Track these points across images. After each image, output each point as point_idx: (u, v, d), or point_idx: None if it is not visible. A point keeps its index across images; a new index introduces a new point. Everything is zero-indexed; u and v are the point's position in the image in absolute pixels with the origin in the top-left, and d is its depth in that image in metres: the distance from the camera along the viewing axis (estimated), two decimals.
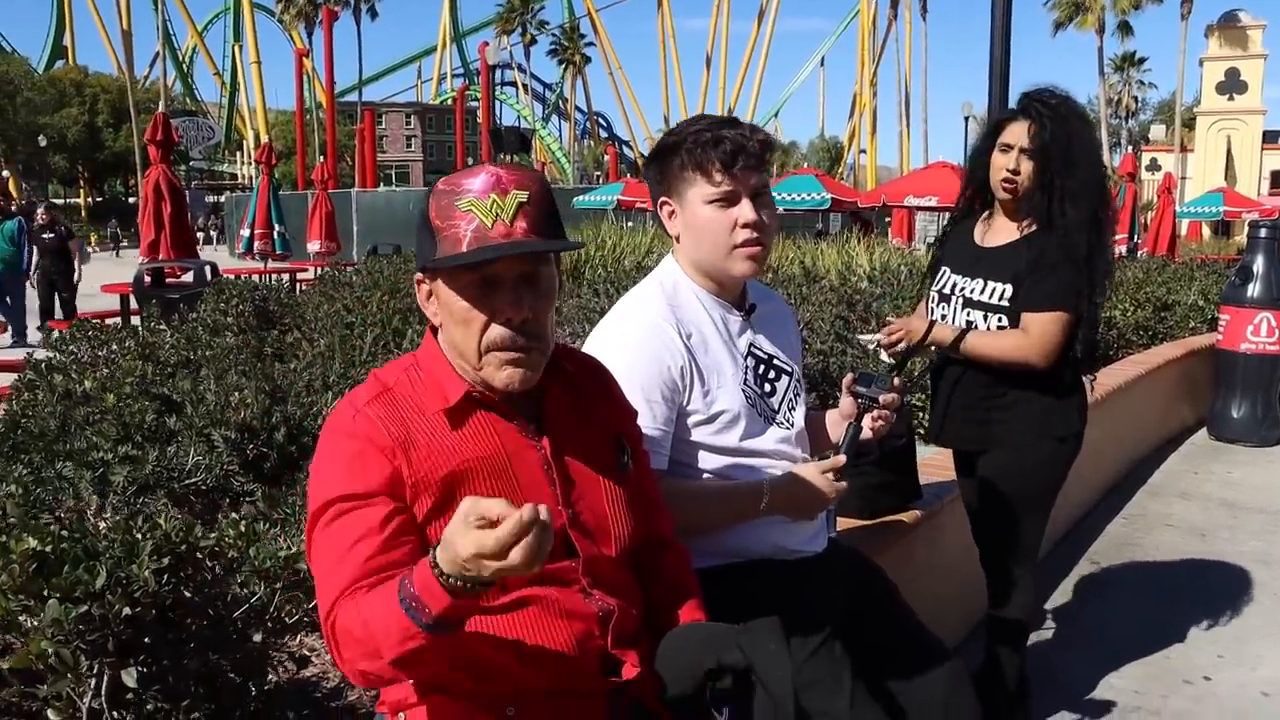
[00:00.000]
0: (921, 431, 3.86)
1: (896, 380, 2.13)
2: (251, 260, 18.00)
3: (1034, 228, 2.91)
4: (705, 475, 2.08)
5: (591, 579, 1.62)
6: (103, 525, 1.75)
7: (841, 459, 2.06)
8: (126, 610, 1.59)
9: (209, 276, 9.92)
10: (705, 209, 2.04)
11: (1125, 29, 65.13)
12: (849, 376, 2.14)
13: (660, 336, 2.03)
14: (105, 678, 1.62)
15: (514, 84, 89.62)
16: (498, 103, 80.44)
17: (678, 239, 2.13)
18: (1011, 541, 3.05)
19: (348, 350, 4.77)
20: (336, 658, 1.44)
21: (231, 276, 11.16)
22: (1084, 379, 3.11)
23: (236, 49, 67.68)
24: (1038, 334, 2.85)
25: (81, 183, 60.67)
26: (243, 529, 1.93)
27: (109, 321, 9.71)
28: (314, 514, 1.50)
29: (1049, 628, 4.11)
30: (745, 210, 2.03)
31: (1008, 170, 2.90)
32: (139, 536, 1.77)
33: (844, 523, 3.07)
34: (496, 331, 1.54)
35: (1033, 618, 3.21)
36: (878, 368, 4.87)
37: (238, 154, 69.23)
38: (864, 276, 8.64)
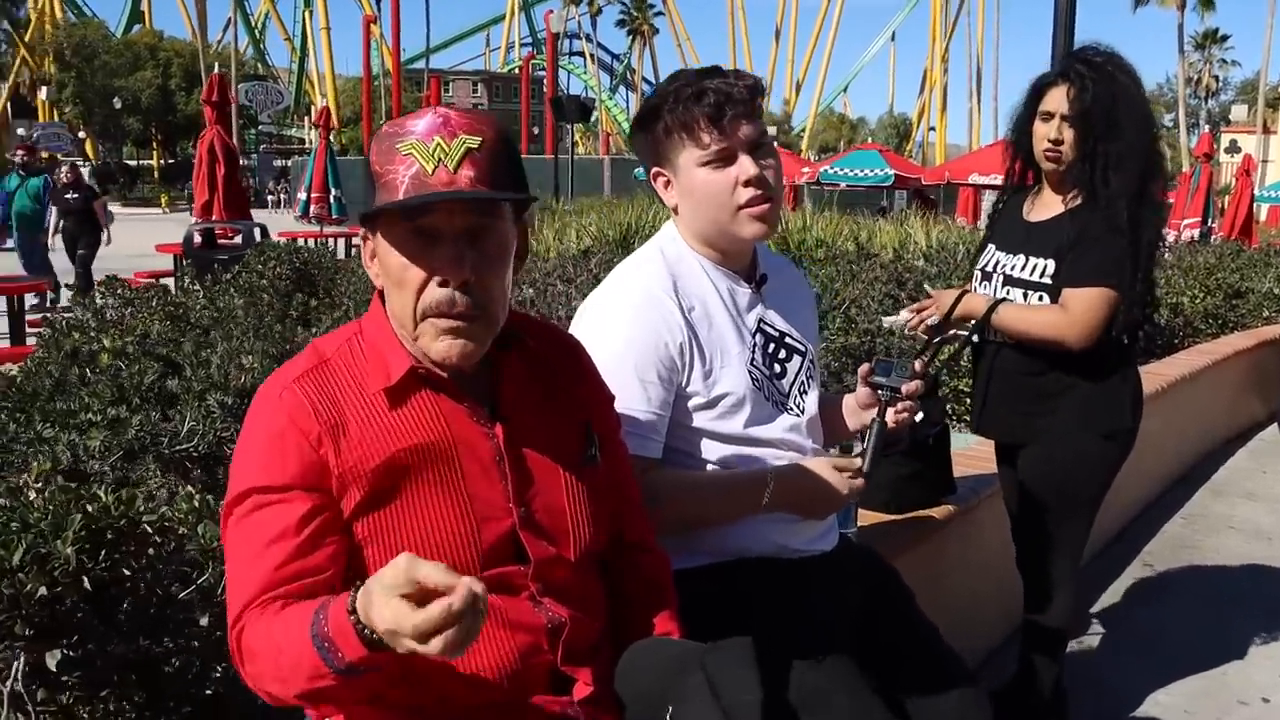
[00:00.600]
0: (968, 419, 3.64)
1: (918, 365, 1.93)
2: (308, 223, 18.02)
3: (1080, 200, 2.68)
4: (706, 465, 1.89)
5: (542, 586, 1.44)
6: (33, 495, 1.61)
7: (857, 461, 1.86)
8: (42, 590, 1.45)
9: (258, 238, 9.90)
10: (700, 173, 1.84)
11: (1207, 4, 63.12)
12: (865, 366, 1.94)
13: (658, 309, 1.84)
14: (21, 660, 1.49)
15: (581, 54, 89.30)
16: (565, 73, 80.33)
17: (676, 210, 1.94)
18: (1051, 543, 2.83)
19: None
20: (240, 671, 1.29)
21: (284, 240, 11.16)
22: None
23: (307, 15, 68.07)
24: (1078, 310, 2.62)
25: (155, 144, 61.59)
26: (196, 504, 1.78)
27: (163, 281, 9.79)
28: (229, 502, 1.35)
29: (1095, 633, 3.87)
30: (745, 166, 1.82)
31: (1049, 140, 2.68)
32: (85, 509, 1.63)
33: (868, 516, 2.87)
34: (433, 294, 1.35)
35: (1072, 625, 2.99)
36: (911, 345, 4.62)
37: (306, 119, 69.88)
38: (919, 254, 8.35)
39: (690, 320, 1.86)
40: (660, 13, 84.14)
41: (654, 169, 1.92)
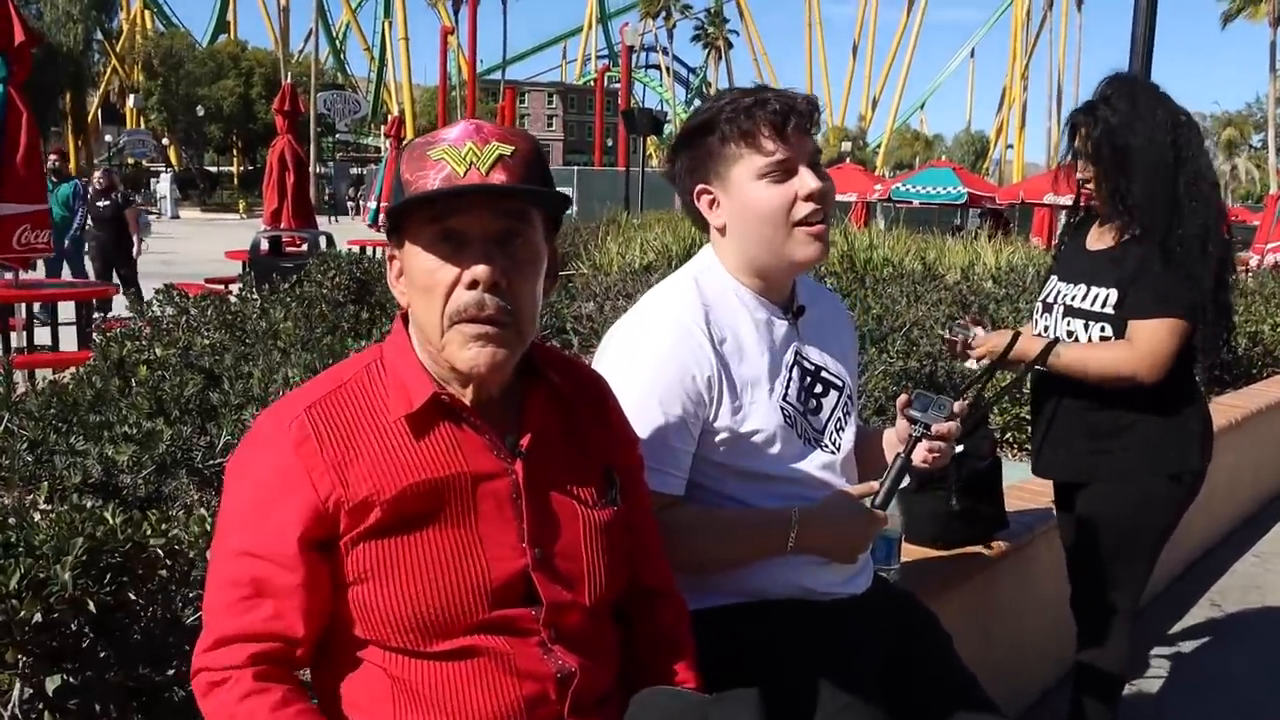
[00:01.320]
0: (1028, 447, 3.50)
1: (958, 405, 1.82)
2: (378, 232, 18.20)
3: (1137, 231, 2.57)
4: (732, 503, 1.81)
5: (554, 632, 1.37)
6: (38, 516, 1.59)
7: (873, 485, 1.78)
8: (38, 616, 1.42)
9: (323, 247, 10.01)
10: (756, 186, 1.75)
11: None
12: (903, 397, 1.84)
13: (686, 341, 1.76)
14: (19, 686, 1.46)
15: (658, 67, 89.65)
16: (641, 85, 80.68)
17: (722, 230, 1.84)
18: (1109, 585, 2.70)
19: None
20: (197, 696, 1.30)
21: (352, 248, 11.27)
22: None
23: (386, 25, 69.29)
24: (1145, 343, 2.50)
25: (235, 151, 63.07)
26: (207, 526, 1.75)
27: (232, 288, 9.91)
28: (226, 526, 1.32)
29: (1157, 675, 3.70)
30: (806, 180, 1.74)
31: (1080, 179, 2.65)
32: (90, 532, 1.60)
33: (914, 552, 2.76)
34: (461, 297, 1.30)
35: (1127, 669, 2.85)
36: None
37: (383, 127, 71.10)
38: (987, 276, 8.16)
39: (721, 353, 1.77)
40: (735, 30, 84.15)
41: (699, 187, 1.83)
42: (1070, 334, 2.66)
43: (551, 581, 1.38)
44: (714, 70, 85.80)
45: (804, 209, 1.75)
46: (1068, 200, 2.89)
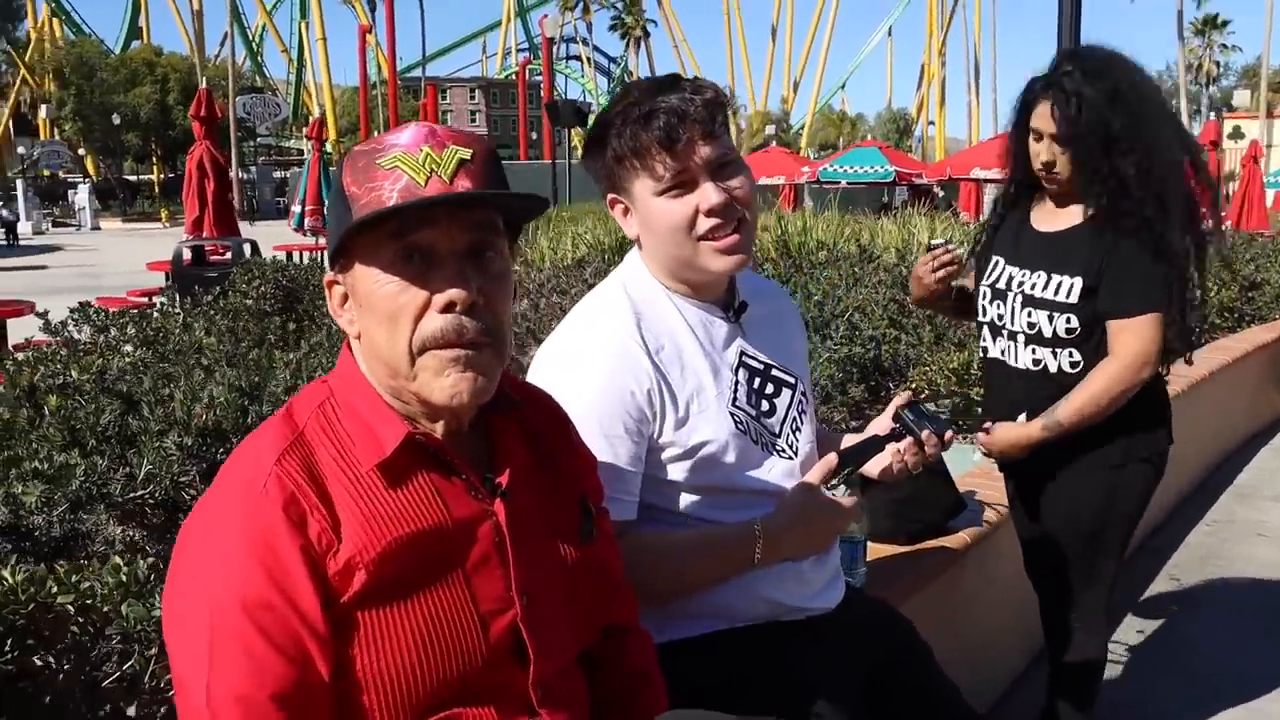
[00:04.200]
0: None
1: (949, 434, 1.75)
2: (304, 236, 17.77)
3: (1098, 211, 2.45)
4: (690, 523, 1.68)
5: (543, 692, 1.22)
6: None
7: (831, 460, 1.69)
8: None
9: (247, 254, 9.72)
10: (656, 203, 1.64)
11: None
12: (905, 395, 1.77)
13: (623, 356, 1.63)
14: None
15: (579, 58, 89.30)
16: (563, 77, 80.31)
17: (638, 241, 1.74)
18: (1081, 583, 2.60)
19: None
20: None
21: (281, 254, 10.96)
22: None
23: (303, 26, 67.91)
24: (1134, 346, 2.39)
25: (155, 159, 61.49)
26: (123, 577, 1.58)
27: (157, 300, 9.58)
28: (211, 614, 1.10)
29: (1121, 659, 3.64)
30: (707, 194, 1.61)
31: (1042, 162, 2.44)
32: None
33: (877, 550, 2.65)
34: (434, 322, 1.15)
35: (1101, 667, 2.74)
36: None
37: (305, 130, 69.76)
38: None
39: (658, 363, 1.65)
40: (653, 20, 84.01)
41: (610, 196, 1.72)
42: (1032, 325, 2.50)
43: (540, 632, 1.23)
44: (634, 58, 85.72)
45: (706, 224, 1.63)
46: (994, 174, 2.78)
